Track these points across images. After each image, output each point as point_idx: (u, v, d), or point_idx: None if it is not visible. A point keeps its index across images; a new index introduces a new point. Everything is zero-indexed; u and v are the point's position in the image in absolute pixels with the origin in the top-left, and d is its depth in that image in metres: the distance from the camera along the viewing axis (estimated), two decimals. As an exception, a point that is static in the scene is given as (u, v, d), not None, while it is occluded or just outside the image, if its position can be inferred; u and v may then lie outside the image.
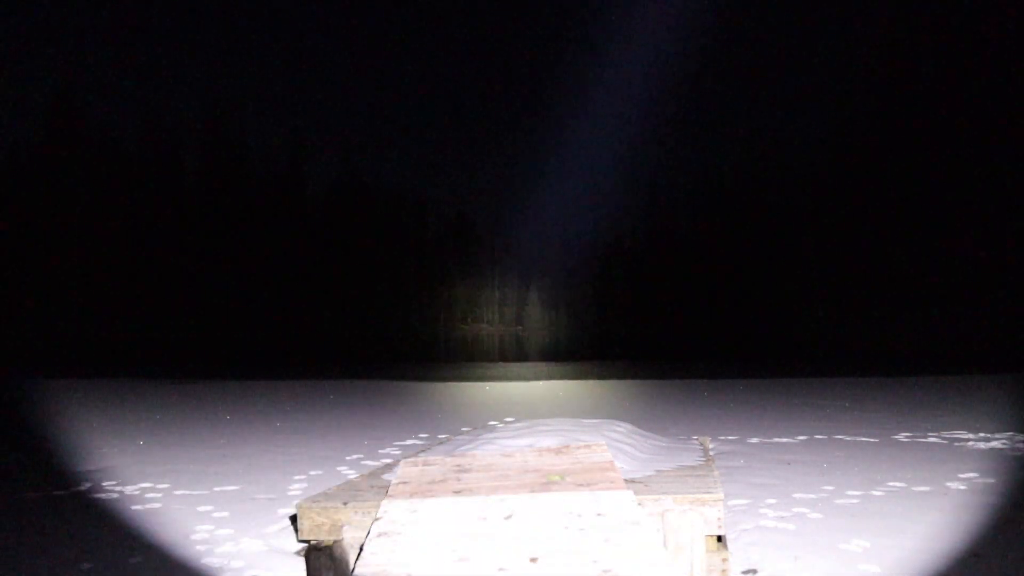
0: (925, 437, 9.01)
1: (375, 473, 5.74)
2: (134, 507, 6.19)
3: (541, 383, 18.57)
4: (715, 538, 4.60)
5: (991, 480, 6.56)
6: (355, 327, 67.27)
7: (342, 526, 4.48)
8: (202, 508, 6.09)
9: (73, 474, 7.56)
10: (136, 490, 6.80)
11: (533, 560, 3.25)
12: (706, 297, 71.91)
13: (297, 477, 7.31)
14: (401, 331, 69.55)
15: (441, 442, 7.78)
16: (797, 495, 6.13)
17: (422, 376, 21.59)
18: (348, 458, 8.27)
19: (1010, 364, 21.70)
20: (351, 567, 4.18)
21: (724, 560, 4.43)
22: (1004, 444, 8.41)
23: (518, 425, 6.85)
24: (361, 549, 3.69)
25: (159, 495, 6.59)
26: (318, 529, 4.53)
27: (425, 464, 5.42)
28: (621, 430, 6.64)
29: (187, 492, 6.67)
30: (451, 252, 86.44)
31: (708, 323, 68.31)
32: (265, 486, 6.89)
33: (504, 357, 37.32)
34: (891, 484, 6.44)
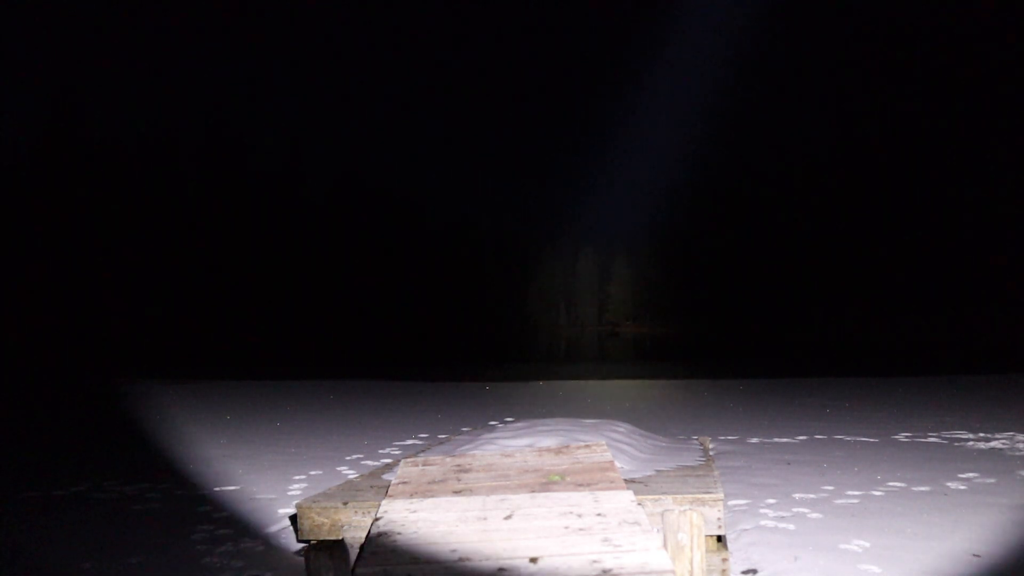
0: (925, 437, 9.01)
1: (375, 473, 5.74)
2: (134, 507, 6.19)
3: (541, 383, 18.56)
4: (715, 538, 4.60)
5: (991, 480, 6.56)
6: (355, 327, 67.27)
7: (342, 526, 4.48)
8: (202, 508, 6.09)
9: (73, 474, 7.56)
10: (136, 490, 6.80)
11: (533, 560, 3.25)
12: (707, 297, 71.90)
13: (297, 477, 7.30)
14: (401, 331, 69.53)
15: (441, 442, 7.78)
16: (797, 495, 6.13)
17: (422, 376, 21.58)
18: (348, 458, 8.26)
19: (1010, 364, 21.69)
20: (351, 567, 4.18)
21: (724, 560, 4.43)
22: (1004, 444, 8.41)
23: (518, 425, 6.85)
24: (361, 549, 3.69)
25: (159, 495, 6.59)
26: (318, 529, 4.53)
27: (425, 464, 5.42)
28: (621, 430, 6.64)
29: (187, 492, 6.67)
30: (451, 252, 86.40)
31: (709, 323, 68.32)
32: (265, 486, 6.89)
33: (504, 357, 37.31)
34: (891, 484, 6.44)
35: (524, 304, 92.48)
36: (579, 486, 4.49)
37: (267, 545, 5.13)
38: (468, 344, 52.56)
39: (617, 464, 5.23)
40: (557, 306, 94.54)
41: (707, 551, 4.38)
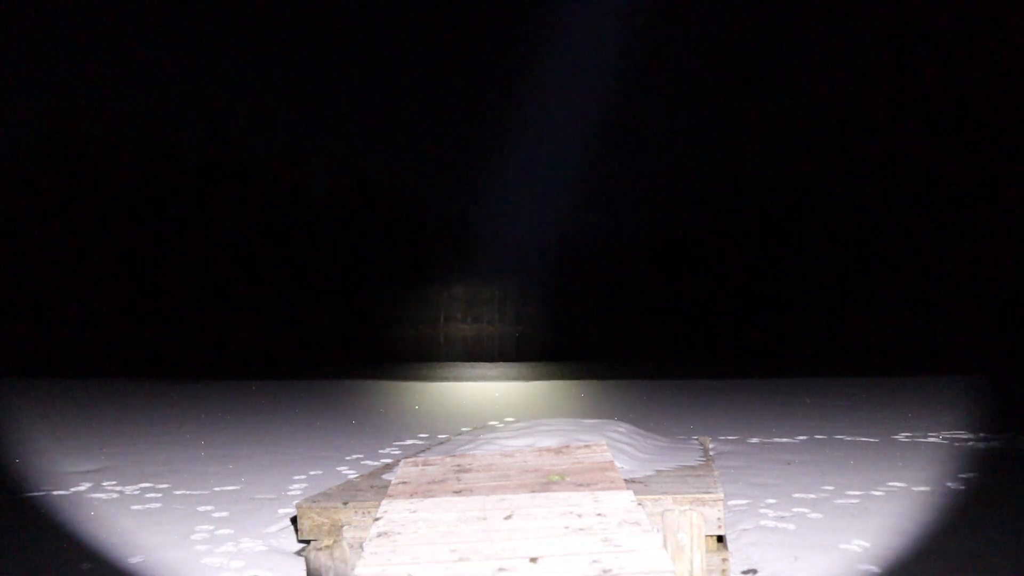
0: (925, 437, 9.01)
1: (375, 473, 5.74)
2: (134, 507, 6.19)
3: (541, 383, 18.56)
4: (715, 538, 4.60)
5: (991, 480, 6.56)
6: (355, 327, 67.28)
7: (342, 526, 4.49)
8: (202, 508, 6.09)
9: (73, 474, 7.55)
10: (136, 490, 6.80)
11: (533, 560, 3.25)
12: (705, 297, 71.91)
13: (297, 477, 7.30)
14: (400, 331, 69.55)
15: (441, 442, 7.78)
16: (797, 495, 6.13)
17: (422, 376, 21.59)
18: (348, 458, 8.26)
19: (1010, 364, 21.68)
20: (351, 567, 4.18)
21: (724, 560, 4.43)
22: (1004, 444, 8.41)
23: (518, 425, 6.85)
24: (362, 549, 3.69)
25: (159, 495, 6.58)
26: (318, 529, 4.53)
27: (425, 464, 5.42)
28: (621, 430, 6.64)
29: (187, 492, 6.67)
30: (451, 252, 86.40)
31: (707, 323, 68.31)
32: (265, 486, 6.89)
33: (503, 357, 37.30)
34: (891, 484, 6.43)
35: (526, 306, 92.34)
36: (579, 486, 4.49)
37: (267, 545, 5.13)
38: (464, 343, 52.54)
39: (617, 464, 5.23)
40: (557, 309, 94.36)
41: (707, 551, 4.38)
